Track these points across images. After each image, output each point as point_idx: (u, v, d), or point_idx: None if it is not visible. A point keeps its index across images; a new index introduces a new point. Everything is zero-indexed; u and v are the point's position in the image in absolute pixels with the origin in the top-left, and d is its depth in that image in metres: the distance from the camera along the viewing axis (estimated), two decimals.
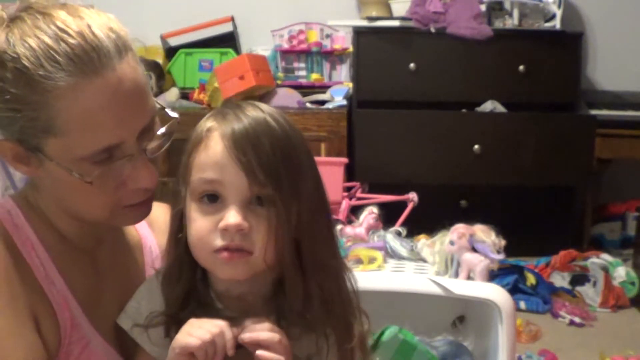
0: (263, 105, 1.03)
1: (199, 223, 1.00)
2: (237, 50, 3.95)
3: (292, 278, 1.01)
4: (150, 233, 1.23)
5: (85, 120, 0.97)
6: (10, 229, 1.04)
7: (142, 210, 1.09)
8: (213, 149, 0.99)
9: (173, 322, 1.03)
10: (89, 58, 0.96)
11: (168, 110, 1.09)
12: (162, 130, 1.06)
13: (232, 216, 0.97)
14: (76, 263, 1.09)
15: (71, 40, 0.96)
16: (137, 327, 1.05)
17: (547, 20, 3.69)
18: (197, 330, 0.97)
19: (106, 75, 0.97)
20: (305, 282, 1.02)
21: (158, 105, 1.08)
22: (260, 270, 1.01)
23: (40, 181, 1.07)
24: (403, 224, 2.40)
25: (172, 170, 1.06)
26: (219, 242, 0.98)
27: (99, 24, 0.99)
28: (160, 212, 1.19)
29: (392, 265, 1.84)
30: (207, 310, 1.03)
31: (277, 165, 0.98)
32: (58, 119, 0.96)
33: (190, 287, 1.04)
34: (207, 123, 1.02)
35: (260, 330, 0.98)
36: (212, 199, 0.99)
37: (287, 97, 3.72)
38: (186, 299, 1.04)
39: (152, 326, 1.04)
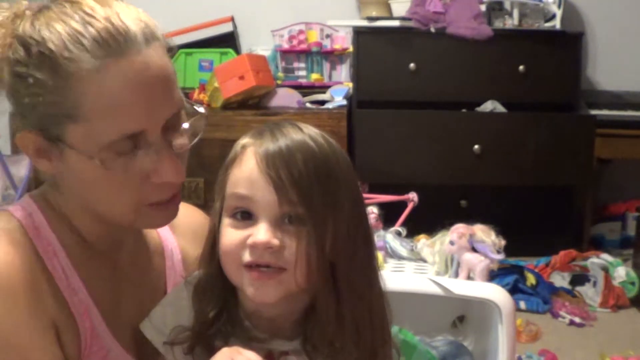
0: (306, 127, 1.01)
1: (229, 237, 0.98)
2: (237, 50, 3.95)
3: (324, 301, 0.98)
4: (172, 235, 1.19)
5: (109, 104, 0.94)
6: (32, 233, 1.01)
7: (168, 211, 1.05)
8: (246, 165, 0.98)
9: (199, 340, 1.00)
10: (114, 40, 0.94)
11: (196, 106, 1.07)
12: (186, 125, 1.03)
13: (261, 233, 0.95)
14: (97, 268, 1.06)
15: (98, 24, 0.95)
16: (162, 343, 1.03)
17: (547, 20, 3.69)
18: None
19: (132, 58, 0.95)
20: (338, 308, 0.98)
21: (186, 102, 1.05)
22: (290, 292, 0.98)
23: (62, 179, 1.03)
24: (403, 224, 2.40)
25: (189, 171, 1.05)
26: (247, 257, 0.96)
27: (128, 12, 0.98)
28: (183, 213, 1.13)
29: (392, 265, 1.85)
30: (235, 328, 1.01)
31: (310, 184, 0.95)
32: (81, 103, 0.94)
33: (221, 304, 1.02)
34: (243, 140, 1.01)
35: None
36: (245, 215, 0.98)
37: (287, 97, 3.72)
38: (216, 317, 1.01)
39: (178, 343, 1.01)
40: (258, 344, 0.99)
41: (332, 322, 0.98)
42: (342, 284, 0.98)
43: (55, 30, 0.95)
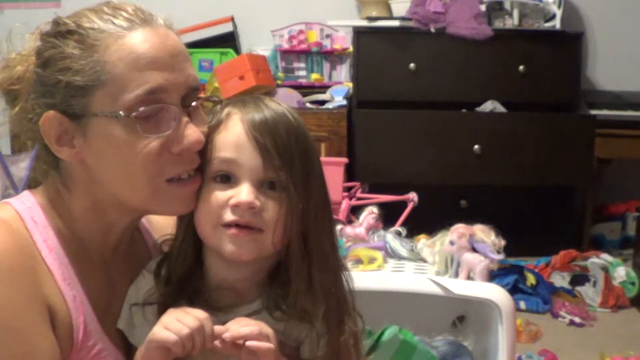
0: (281, 102, 1.09)
1: (211, 197, 1.03)
2: (237, 50, 3.95)
3: (298, 265, 1.04)
4: (154, 237, 1.21)
5: (134, 59, 1.01)
6: (31, 226, 1.03)
7: (186, 191, 1.05)
8: (232, 130, 1.04)
9: (168, 302, 1.03)
10: (140, 14, 1.05)
11: (212, 99, 1.14)
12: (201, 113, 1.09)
13: (245, 194, 1.01)
14: (92, 266, 1.08)
15: (128, 8, 1.05)
16: (135, 307, 1.06)
17: (547, 20, 3.69)
18: (175, 324, 0.96)
19: (155, 27, 1.05)
20: (309, 271, 1.05)
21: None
22: (265, 252, 1.04)
23: (76, 172, 1.06)
24: (403, 224, 2.40)
25: None
26: (228, 216, 1.02)
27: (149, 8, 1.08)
28: None
29: (392, 265, 1.84)
30: (199, 298, 1.04)
31: (291, 153, 1.03)
32: (107, 64, 1.00)
33: (187, 272, 1.06)
34: (227, 109, 1.07)
35: (240, 327, 0.98)
36: (225, 179, 1.03)
37: (287, 97, 3.71)
38: (181, 284, 1.05)
39: (148, 303, 1.05)
40: (221, 313, 1.03)
41: (303, 285, 1.04)
42: (312, 248, 1.05)
43: (86, 14, 1.05)
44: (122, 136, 1.01)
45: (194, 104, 1.06)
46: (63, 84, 1.01)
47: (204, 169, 1.05)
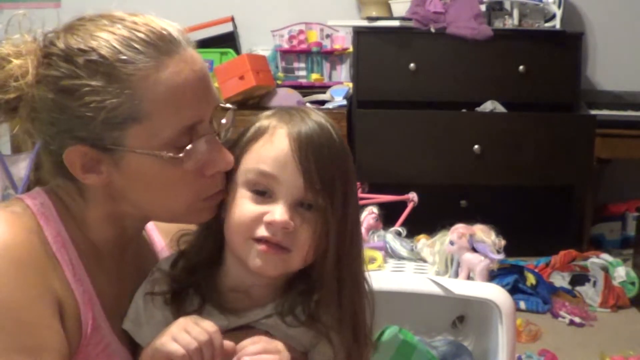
0: (322, 114, 1.06)
1: (246, 209, 1.01)
2: (237, 50, 3.95)
3: (329, 283, 1.02)
4: (159, 235, 1.22)
5: (170, 98, 0.98)
6: (43, 222, 1.02)
7: (214, 204, 1.07)
8: (277, 145, 1.00)
9: (178, 293, 1.03)
10: (163, 41, 1.00)
11: (222, 104, 1.11)
12: (224, 120, 1.07)
13: (280, 213, 0.99)
14: (102, 265, 1.08)
15: (142, 29, 1.00)
16: (146, 297, 1.05)
17: (547, 20, 3.69)
18: (184, 337, 0.94)
19: (182, 53, 1.01)
20: (338, 291, 1.03)
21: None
22: (291, 270, 1.02)
23: (98, 189, 1.04)
24: (403, 224, 2.40)
25: None
26: (261, 231, 0.99)
27: (158, 20, 1.04)
28: None
29: (392, 265, 1.85)
30: (212, 295, 1.04)
31: (333, 176, 1.00)
32: (142, 103, 0.97)
33: (205, 265, 1.05)
34: (272, 120, 1.04)
35: (258, 351, 0.96)
36: (262, 192, 1.01)
37: (287, 97, 3.72)
38: (196, 279, 1.04)
39: (158, 293, 1.04)
40: (233, 316, 1.02)
41: (331, 302, 1.03)
42: (345, 269, 1.03)
43: (103, 39, 0.98)
44: (159, 170, 1.00)
45: (223, 121, 1.06)
46: (91, 119, 0.97)
47: (235, 175, 1.03)
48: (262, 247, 0.99)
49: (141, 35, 0.99)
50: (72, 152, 1.00)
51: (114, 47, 0.97)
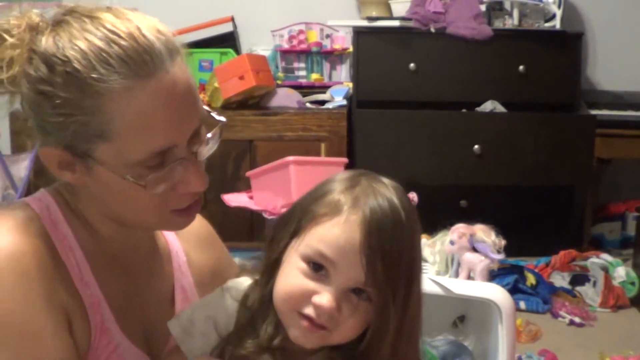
0: (392, 188, 1.01)
1: (296, 282, 0.97)
2: (237, 50, 3.95)
3: None
4: (175, 238, 1.21)
5: (140, 124, 0.95)
6: (48, 225, 1.02)
7: (190, 216, 1.06)
8: (345, 231, 0.94)
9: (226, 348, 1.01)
10: (142, 60, 0.95)
11: (214, 114, 1.07)
12: (209, 134, 1.05)
13: (328, 300, 0.94)
14: (110, 266, 1.07)
15: (122, 42, 0.94)
16: (184, 341, 1.03)
17: (547, 20, 3.69)
18: None
19: (160, 77, 0.95)
20: None
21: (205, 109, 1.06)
22: (329, 345, 0.98)
23: (82, 187, 1.04)
24: None
25: None
26: (307, 309, 0.96)
27: (147, 26, 0.98)
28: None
29: None
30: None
31: (399, 271, 0.95)
32: (112, 123, 0.94)
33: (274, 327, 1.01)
34: (348, 195, 0.97)
35: None
36: (317, 267, 0.96)
37: (287, 97, 3.72)
38: (248, 328, 1.02)
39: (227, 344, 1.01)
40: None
41: None
42: (399, 356, 0.98)
43: (80, 49, 0.94)
44: (128, 186, 0.98)
45: (209, 135, 1.03)
46: (63, 126, 0.96)
47: (295, 242, 0.98)
48: (305, 323, 0.96)
49: (119, 50, 0.94)
50: (46, 151, 1.00)
51: (89, 61, 0.93)
